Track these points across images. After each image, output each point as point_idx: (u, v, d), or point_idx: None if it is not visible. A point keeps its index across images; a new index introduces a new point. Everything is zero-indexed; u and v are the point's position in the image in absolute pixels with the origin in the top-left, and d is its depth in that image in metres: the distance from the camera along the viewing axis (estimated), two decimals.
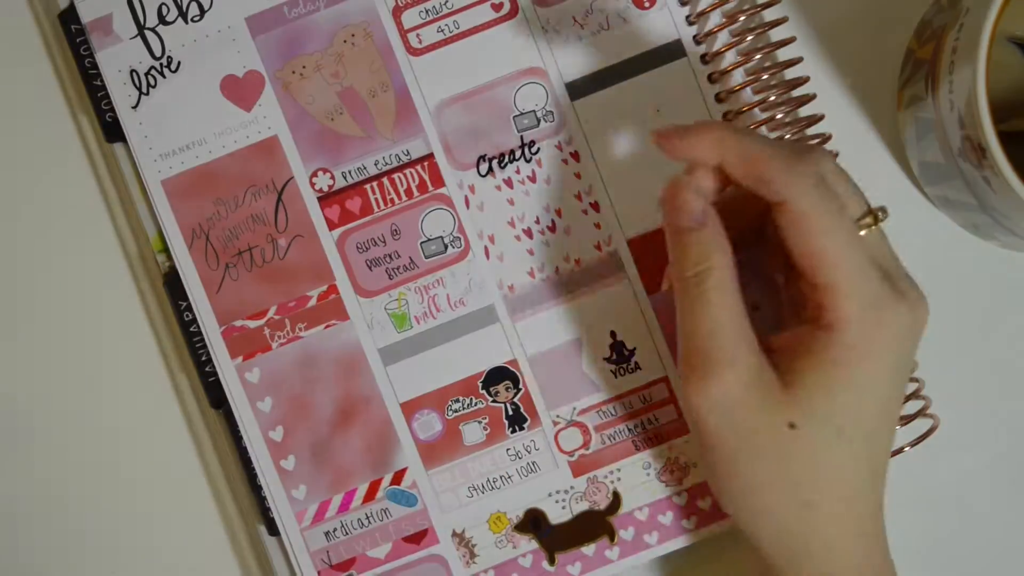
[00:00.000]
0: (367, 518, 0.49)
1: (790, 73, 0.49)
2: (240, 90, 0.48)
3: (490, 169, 0.49)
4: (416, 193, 0.49)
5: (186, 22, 0.48)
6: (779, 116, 0.48)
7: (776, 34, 0.48)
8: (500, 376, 0.49)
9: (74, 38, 0.49)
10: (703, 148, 0.41)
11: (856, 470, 0.42)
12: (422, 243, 0.49)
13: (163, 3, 0.48)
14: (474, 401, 0.49)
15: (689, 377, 0.41)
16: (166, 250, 0.49)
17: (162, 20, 0.48)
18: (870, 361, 0.40)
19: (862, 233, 0.41)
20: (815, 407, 0.40)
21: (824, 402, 0.40)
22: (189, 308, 0.49)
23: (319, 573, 0.49)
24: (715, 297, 0.40)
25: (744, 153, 0.40)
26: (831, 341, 0.40)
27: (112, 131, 0.49)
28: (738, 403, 0.40)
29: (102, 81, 0.49)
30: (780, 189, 0.40)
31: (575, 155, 0.49)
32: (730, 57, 0.49)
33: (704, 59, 0.48)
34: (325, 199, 0.49)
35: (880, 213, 0.41)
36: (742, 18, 0.48)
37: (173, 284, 0.49)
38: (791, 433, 0.40)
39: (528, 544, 0.49)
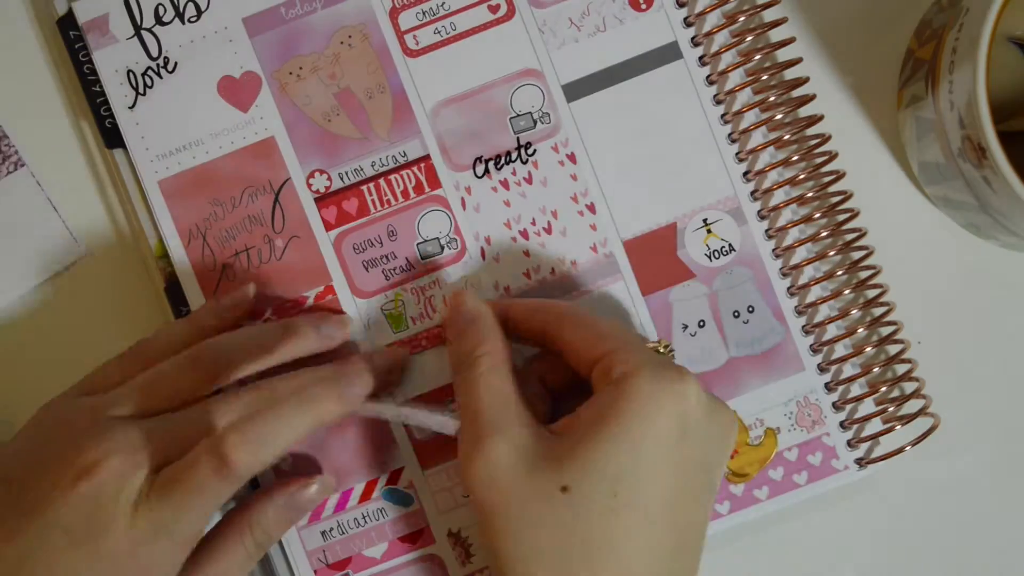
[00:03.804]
0: (363, 518, 0.49)
1: (790, 73, 0.48)
2: (237, 91, 0.48)
3: (486, 170, 0.49)
4: (412, 194, 0.49)
5: (183, 23, 0.48)
6: (779, 116, 0.48)
7: (776, 34, 0.48)
8: None
9: (72, 44, 0.49)
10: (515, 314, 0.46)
11: (635, 545, 0.39)
12: (419, 244, 0.49)
13: (160, 3, 0.48)
14: None
15: (463, 453, 0.42)
16: (167, 256, 0.49)
17: (159, 20, 0.48)
18: (647, 419, 0.39)
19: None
20: (588, 464, 0.39)
21: (597, 458, 0.39)
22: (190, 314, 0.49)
23: (315, 572, 0.49)
24: (485, 378, 0.42)
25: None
26: (611, 394, 0.40)
27: (112, 137, 0.49)
28: (508, 471, 0.40)
29: (101, 87, 0.49)
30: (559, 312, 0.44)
31: (571, 157, 0.49)
32: (728, 58, 0.48)
33: (702, 60, 0.48)
34: (322, 200, 0.49)
35: (662, 344, 0.45)
36: (742, 19, 0.48)
37: (174, 290, 0.49)
38: (564, 498, 0.39)
39: None
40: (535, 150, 0.49)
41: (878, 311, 0.49)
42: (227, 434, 0.40)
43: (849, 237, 0.49)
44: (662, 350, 0.45)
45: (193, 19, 0.48)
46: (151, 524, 0.40)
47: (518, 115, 0.48)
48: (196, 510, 0.40)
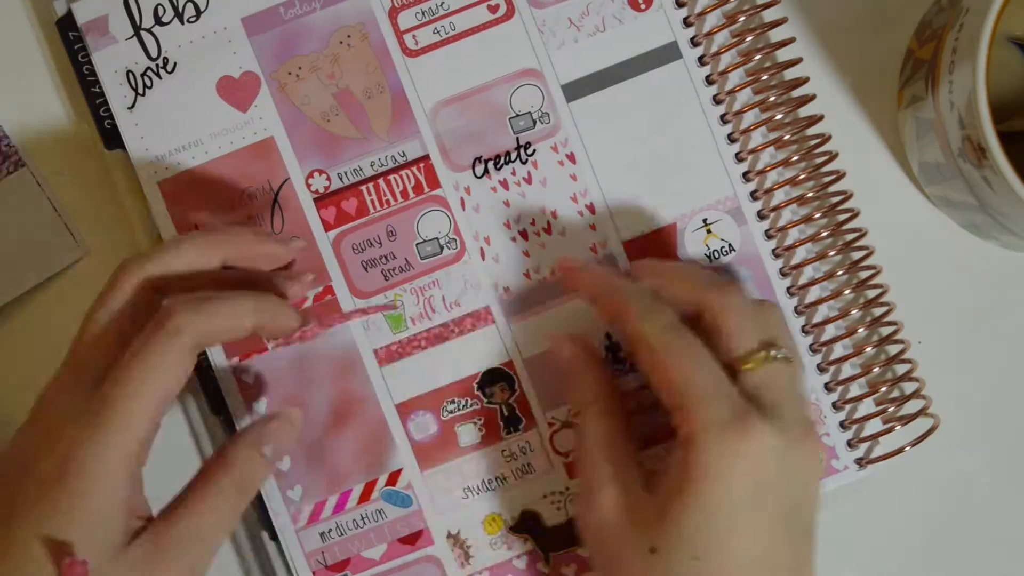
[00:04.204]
0: (362, 519, 0.49)
1: (790, 73, 0.48)
2: (236, 91, 0.48)
3: (486, 171, 0.49)
4: (412, 194, 0.49)
5: (182, 23, 0.48)
6: (779, 116, 0.48)
7: (776, 34, 0.48)
8: (495, 377, 0.49)
9: (72, 44, 0.49)
10: (582, 285, 0.46)
11: None
12: (418, 244, 0.49)
13: (159, 4, 0.48)
14: (469, 402, 0.49)
15: (580, 500, 0.44)
16: None
17: (158, 21, 0.48)
18: (719, 482, 0.39)
19: (746, 368, 0.42)
20: (671, 529, 0.40)
21: (678, 523, 0.40)
22: None
23: (314, 573, 0.49)
24: (592, 431, 0.44)
25: (608, 293, 0.45)
26: (683, 459, 0.40)
27: (111, 138, 0.49)
28: (611, 526, 0.42)
29: (100, 88, 0.49)
30: (633, 327, 0.43)
31: (571, 157, 0.48)
32: (728, 58, 0.48)
33: (702, 60, 0.48)
34: (321, 200, 0.49)
35: (771, 353, 0.42)
36: (742, 19, 0.48)
37: None
38: (653, 559, 0.40)
39: (523, 545, 0.49)
40: (535, 150, 0.49)
41: (878, 311, 0.49)
42: (177, 303, 0.41)
43: (849, 237, 0.49)
44: (771, 360, 0.42)
45: (192, 19, 0.48)
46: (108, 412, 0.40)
47: (517, 115, 0.48)
48: (152, 383, 0.40)
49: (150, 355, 0.40)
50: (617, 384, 0.47)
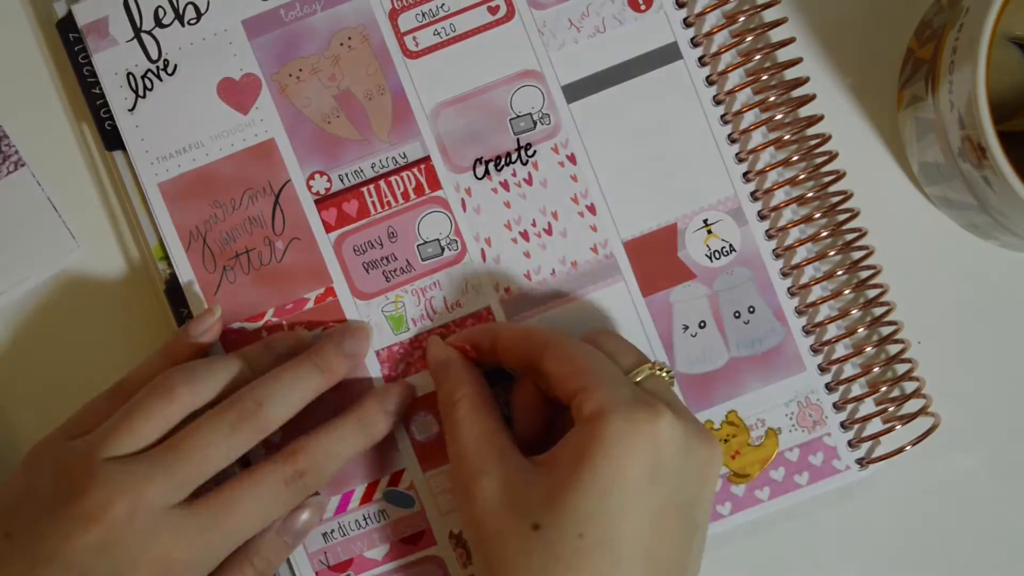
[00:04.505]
0: (365, 519, 0.49)
1: (790, 73, 0.48)
2: (237, 93, 0.48)
3: (487, 172, 0.49)
4: (413, 196, 0.49)
5: (182, 25, 0.48)
6: (779, 116, 0.48)
7: (776, 34, 0.48)
8: (497, 378, 0.49)
9: (72, 46, 0.49)
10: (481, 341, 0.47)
11: None
12: (419, 246, 0.49)
13: (159, 6, 0.48)
14: None
15: (455, 495, 0.43)
16: (167, 258, 0.49)
17: (158, 23, 0.48)
18: (619, 458, 0.39)
19: (635, 378, 0.43)
20: (557, 506, 0.39)
21: (569, 500, 0.39)
22: (190, 315, 0.49)
23: (317, 574, 0.49)
24: (465, 420, 0.44)
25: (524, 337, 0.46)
26: (585, 433, 0.40)
27: (111, 139, 0.49)
28: (491, 510, 0.41)
29: (101, 89, 0.49)
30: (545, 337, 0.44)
31: (571, 158, 0.49)
32: (728, 59, 0.48)
33: (702, 61, 0.48)
34: (322, 202, 0.49)
35: (657, 367, 0.44)
36: (742, 19, 0.48)
37: (174, 291, 0.49)
38: (535, 536, 0.39)
39: None
40: (535, 151, 0.49)
41: (878, 311, 0.49)
42: (297, 451, 0.45)
43: (849, 237, 0.49)
44: (658, 372, 0.44)
45: (193, 21, 0.48)
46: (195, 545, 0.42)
47: (518, 116, 0.48)
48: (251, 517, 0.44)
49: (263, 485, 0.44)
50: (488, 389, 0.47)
